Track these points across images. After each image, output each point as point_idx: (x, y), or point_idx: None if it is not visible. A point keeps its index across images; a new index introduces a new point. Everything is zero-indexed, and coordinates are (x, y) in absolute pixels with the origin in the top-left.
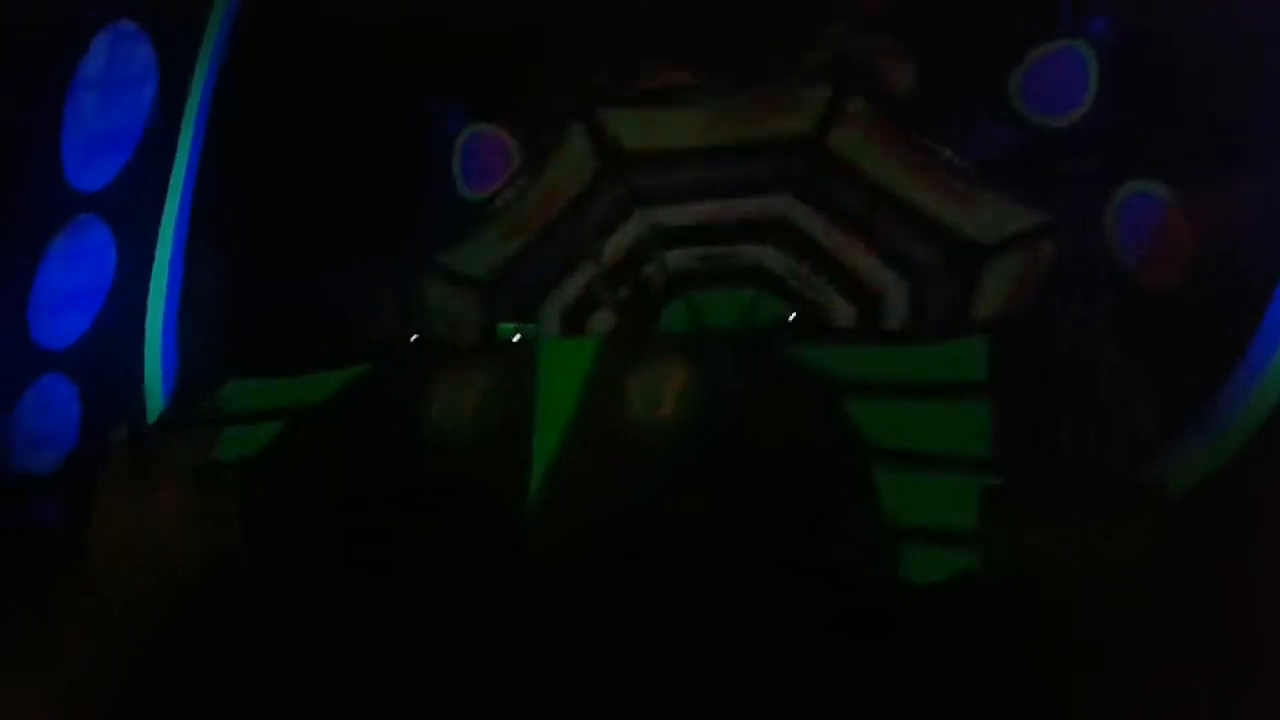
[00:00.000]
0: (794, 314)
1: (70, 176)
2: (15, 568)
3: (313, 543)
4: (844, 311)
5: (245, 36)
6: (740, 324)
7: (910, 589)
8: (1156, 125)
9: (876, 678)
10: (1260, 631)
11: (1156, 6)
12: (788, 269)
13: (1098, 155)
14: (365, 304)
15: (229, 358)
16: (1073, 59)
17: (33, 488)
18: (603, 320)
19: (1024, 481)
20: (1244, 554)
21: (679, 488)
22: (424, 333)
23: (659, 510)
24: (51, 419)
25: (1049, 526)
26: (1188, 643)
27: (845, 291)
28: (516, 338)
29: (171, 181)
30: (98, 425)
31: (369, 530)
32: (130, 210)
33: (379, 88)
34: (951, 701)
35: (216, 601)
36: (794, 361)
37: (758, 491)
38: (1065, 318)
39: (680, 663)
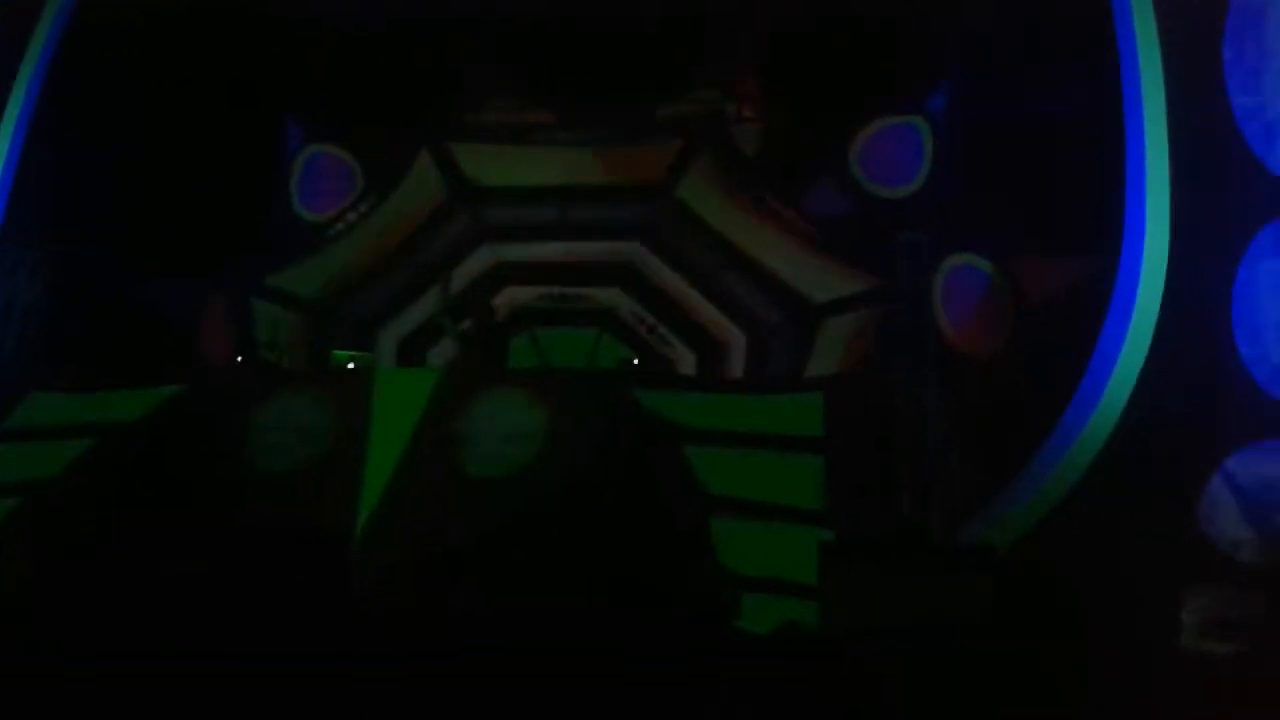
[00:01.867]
0: (637, 359)
1: None
2: None
3: (119, 572)
4: (686, 359)
5: (74, 42)
6: (584, 365)
7: (745, 637)
8: (984, 202)
9: None
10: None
11: (991, 90)
12: (633, 314)
13: (928, 226)
14: (188, 320)
15: (37, 369)
16: (909, 134)
17: None
18: (442, 352)
19: (859, 537)
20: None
21: (514, 526)
22: (251, 354)
23: (491, 548)
24: None
25: (884, 582)
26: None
27: (688, 339)
28: (351, 365)
29: None
30: None
31: (182, 558)
32: None
33: (215, 101)
34: None
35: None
36: (635, 405)
37: (593, 533)
38: (894, 379)
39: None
